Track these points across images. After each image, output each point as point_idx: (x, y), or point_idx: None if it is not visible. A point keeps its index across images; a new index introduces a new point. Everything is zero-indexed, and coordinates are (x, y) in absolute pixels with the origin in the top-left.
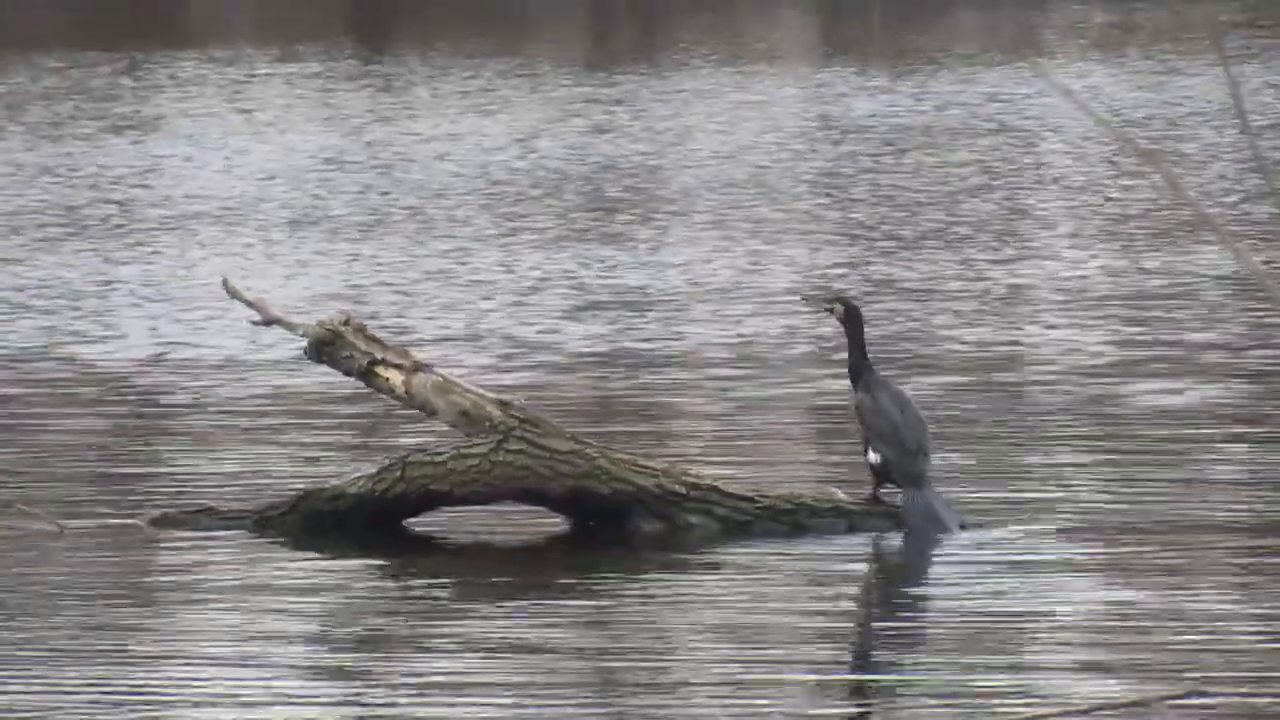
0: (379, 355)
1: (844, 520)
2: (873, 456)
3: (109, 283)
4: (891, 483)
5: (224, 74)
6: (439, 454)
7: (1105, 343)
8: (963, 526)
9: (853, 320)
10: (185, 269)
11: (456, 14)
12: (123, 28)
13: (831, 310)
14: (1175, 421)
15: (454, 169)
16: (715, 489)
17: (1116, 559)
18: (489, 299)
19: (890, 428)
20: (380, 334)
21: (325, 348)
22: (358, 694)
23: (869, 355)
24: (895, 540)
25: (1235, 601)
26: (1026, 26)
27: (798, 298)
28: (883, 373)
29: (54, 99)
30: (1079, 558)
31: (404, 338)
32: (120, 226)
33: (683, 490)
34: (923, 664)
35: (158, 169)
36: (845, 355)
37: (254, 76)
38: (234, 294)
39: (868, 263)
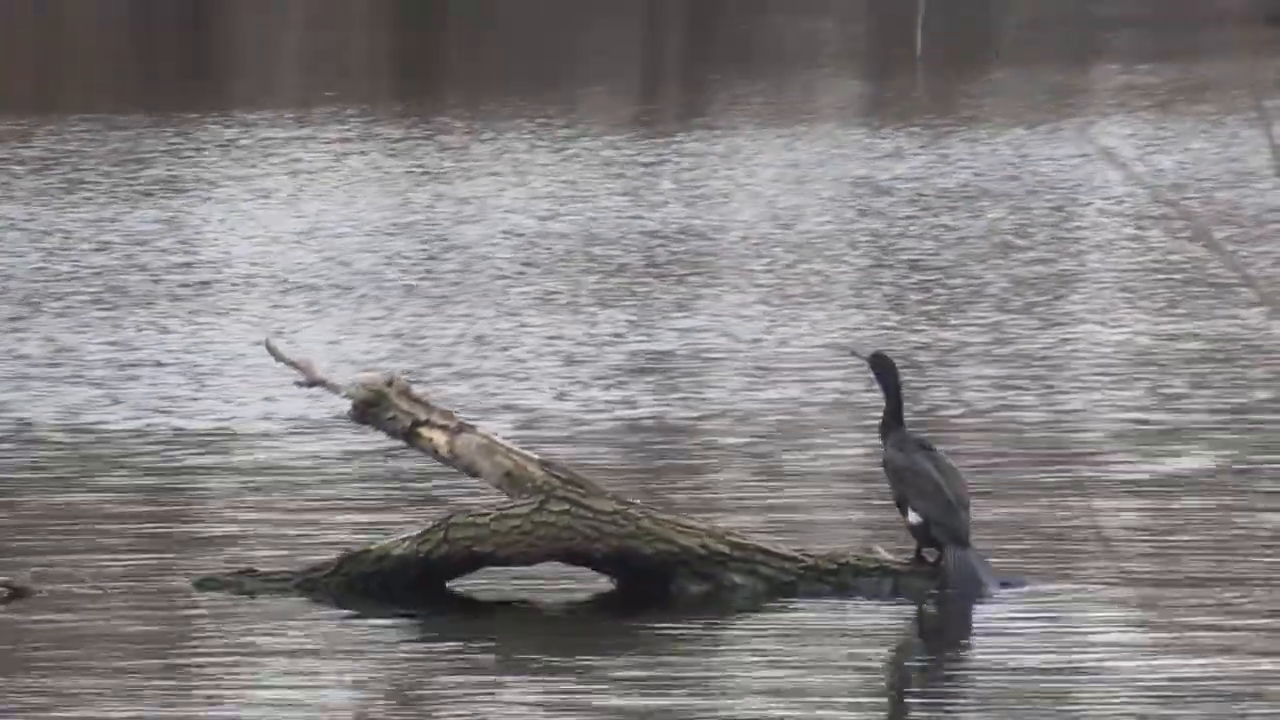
0: (423, 416)
1: (889, 580)
2: (913, 517)
3: (139, 349)
4: (931, 543)
5: (262, 136)
6: (482, 515)
7: (1144, 405)
8: (1003, 585)
9: (885, 374)
10: (226, 333)
11: (503, 74)
12: (165, 89)
13: (868, 361)
14: (1215, 482)
15: (491, 231)
16: (760, 549)
17: (1159, 618)
18: (523, 363)
19: (932, 486)
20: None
21: (369, 409)
22: None
23: (903, 413)
24: (936, 600)
25: (1277, 659)
26: (1066, 87)
27: (835, 346)
28: (919, 432)
29: (87, 161)
30: (1121, 617)
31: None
32: (154, 292)
33: (727, 550)
34: None
35: (189, 233)
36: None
37: (292, 139)
38: (277, 355)
39: (905, 325)
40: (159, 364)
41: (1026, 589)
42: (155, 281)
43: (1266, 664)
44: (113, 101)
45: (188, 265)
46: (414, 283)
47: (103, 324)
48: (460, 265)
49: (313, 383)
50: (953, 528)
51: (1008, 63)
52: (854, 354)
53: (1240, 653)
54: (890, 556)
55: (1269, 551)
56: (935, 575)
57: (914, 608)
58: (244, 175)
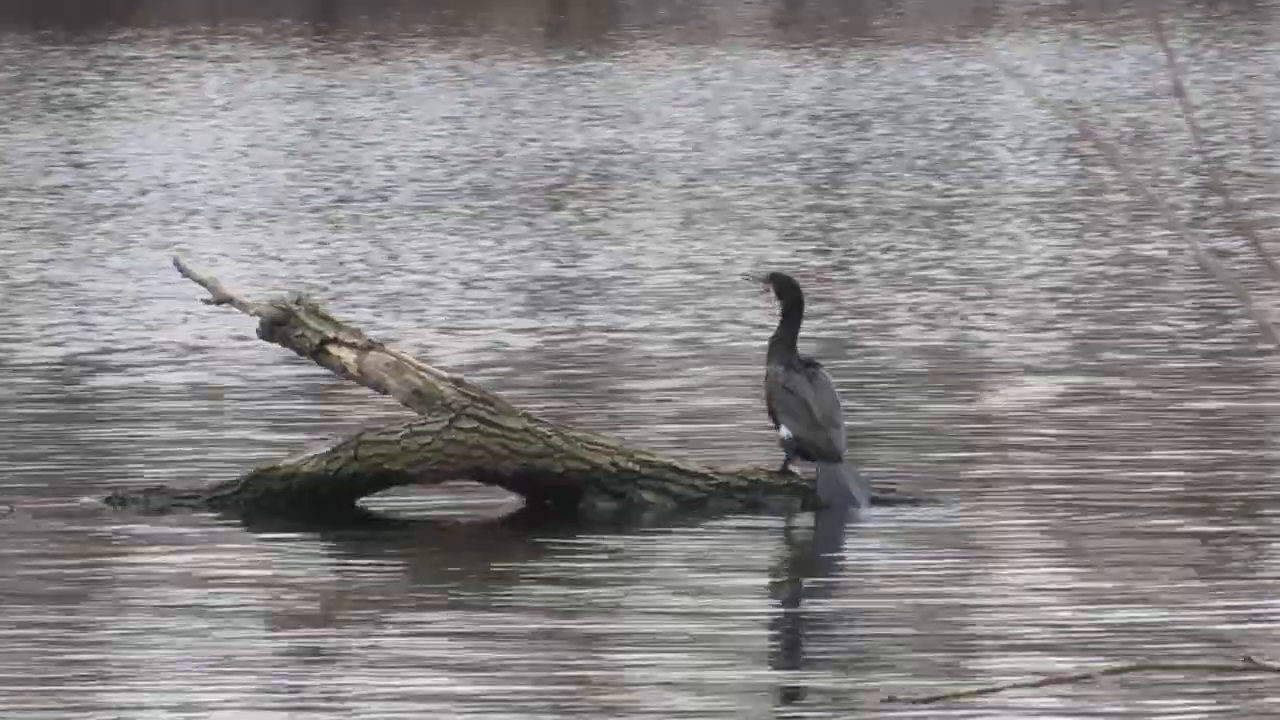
0: (331, 334)
1: (798, 496)
2: (784, 432)
3: (47, 270)
4: (807, 458)
5: (160, 55)
6: (392, 433)
7: (1048, 325)
8: (874, 502)
9: (786, 295)
10: (127, 256)
11: None
12: (67, 6)
13: (768, 287)
14: (1116, 404)
15: (399, 153)
16: (670, 466)
17: (1054, 536)
18: (434, 286)
19: (800, 405)
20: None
21: (277, 327)
22: (309, 672)
23: (798, 335)
24: (831, 517)
25: (1174, 578)
26: (978, 7)
27: (738, 275)
28: (809, 354)
29: None
30: (1016, 534)
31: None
32: (57, 214)
33: (637, 468)
34: (866, 643)
35: (82, 154)
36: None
37: (190, 59)
38: (185, 273)
39: (817, 247)
40: (55, 285)
41: (908, 505)
42: (65, 203)
43: (1166, 575)
44: (7, 20)
45: (100, 186)
46: (313, 205)
47: (14, 247)
48: (358, 187)
49: (221, 300)
50: (821, 446)
51: None
52: (749, 278)
53: (1140, 570)
54: (800, 474)
55: (1169, 470)
56: (810, 491)
57: (820, 525)
58: (138, 95)
